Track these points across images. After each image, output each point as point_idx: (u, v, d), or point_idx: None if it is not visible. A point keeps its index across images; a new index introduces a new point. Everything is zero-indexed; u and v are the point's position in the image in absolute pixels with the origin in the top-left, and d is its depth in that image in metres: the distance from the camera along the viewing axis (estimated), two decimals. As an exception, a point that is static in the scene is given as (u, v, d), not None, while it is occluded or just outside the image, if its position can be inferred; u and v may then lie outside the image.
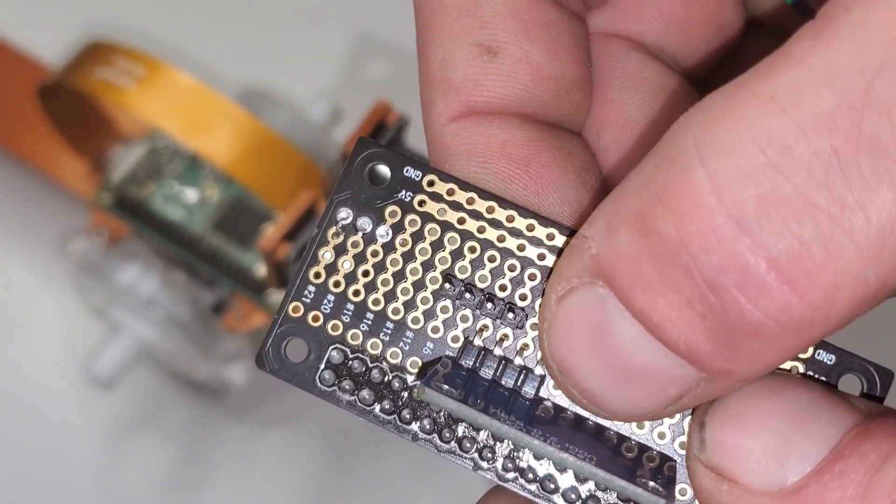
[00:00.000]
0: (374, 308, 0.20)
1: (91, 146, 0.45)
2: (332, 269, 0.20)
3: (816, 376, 0.19)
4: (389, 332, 0.20)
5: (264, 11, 0.54)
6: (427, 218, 0.20)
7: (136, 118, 0.43)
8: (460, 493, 0.46)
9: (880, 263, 0.15)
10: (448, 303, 0.20)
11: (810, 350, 0.19)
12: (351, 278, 0.20)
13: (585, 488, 0.19)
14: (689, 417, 0.19)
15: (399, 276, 0.20)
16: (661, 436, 0.19)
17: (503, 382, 0.19)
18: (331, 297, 0.20)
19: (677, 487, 0.19)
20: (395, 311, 0.20)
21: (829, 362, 0.19)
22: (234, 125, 0.41)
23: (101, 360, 0.43)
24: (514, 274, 0.19)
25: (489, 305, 0.19)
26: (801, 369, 0.19)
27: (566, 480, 0.19)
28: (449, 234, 0.20)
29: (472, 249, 0.20)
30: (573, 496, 0.19)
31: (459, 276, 0.20)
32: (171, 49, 0.50)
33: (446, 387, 0.18)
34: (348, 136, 0.38)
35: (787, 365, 0.19)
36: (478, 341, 0.19)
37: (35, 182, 0.48)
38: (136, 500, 0.46)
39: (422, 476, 0.46)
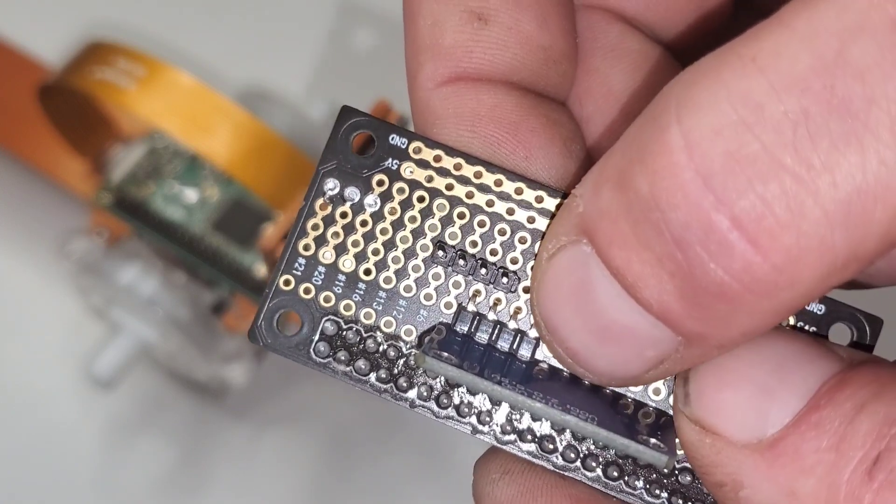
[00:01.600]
0: (365, 278, 0.20)
1: (91, 146, 0.45)
2: (321, 240, 0.20)
3: (807, 327, 0.19)
4: (382, 301, 0.20)
5: (264, 11, 0.54)
6: (415, 185, 0.20)
7: (136, 118, 0.43)
8: (460, 493, 0.46)
9: (847, 229, 0.15)
10: (440, 270, 0.20)
11: None
12: (341, 249, 0.20)
13: (584, 447, 0.19)
14: None
15: (389, 245, 0.20)
16: (657, 392, 0.19)
17: (499, 346, 0.19)
18: (321, 269, 0.20)
19: (677, 440, 0.19)
20: (387, 280, 0.20)
21: (818, 312, 0.19)
22: (234, 125, 0.41)
23: (101, 360, 0.43)
24: (505, 238, 0.19)
25: (482, 270, 0.19)
26: (792, 320, 0.19)
27: (564, 440, 0.19)
28: (438, 201, 0.20)
29: (462, 215, 0.20)
30: (572, 455, 0.19)
31: (450, 242, 0.19)
32: (171, 49, 0.50)
33: (445, 354, 0.18)
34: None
35: None
36: (471, 307, 0.19)
37: (35, 182, 0.48)
38: (136, 500, 0.46)
39: (421, 476, 0.46)
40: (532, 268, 0.19)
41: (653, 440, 0.18)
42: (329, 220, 0.20)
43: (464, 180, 0.20)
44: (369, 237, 0.20)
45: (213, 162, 0.41)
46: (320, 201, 0.20)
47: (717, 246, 0.15)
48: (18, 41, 0.47)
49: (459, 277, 0.20)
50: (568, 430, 0.19)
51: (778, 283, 0.15)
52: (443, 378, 0.19)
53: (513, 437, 0.19)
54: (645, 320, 0.17)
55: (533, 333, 0.19)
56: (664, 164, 0.15)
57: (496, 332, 0.19)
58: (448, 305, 0.19)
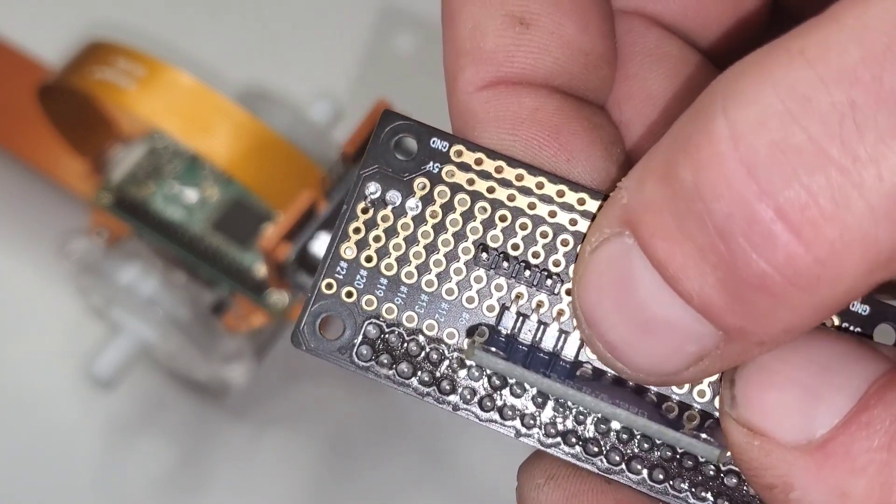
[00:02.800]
0: (407, 281, 0.20)
1: (91, 146, 0.45)
2: (363, 244, 0.20)
3: (851, 328, 0.19)
4: (424, 304, 0.20)
5: (264, 11, 0.54)
6: (456, 188, 0.20)
7: (136, 118, 0.43)
8: (460, 493, 0.46)
9: (891, 223, 0.15)
10: (482, 272, 0.19)
11: None
12: (383, 252, 0.20)
13: (629, 450, 0.19)
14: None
15: (431, 248, 0.20)
16: (702, 394, 0.19)
17: (542, 346, 0.19)
18: (363, 272, 0.20)
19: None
20: (429, 284, 0.20)
21: (863, 313, 0.19)
22: (234, 125, 0.41)
23: (101, 360, 0.43)
24: (547, 240, 0.19)
25: (527, 273, 0.19)
26: (836, 321, 0.19)
27: (609, 443, 0.19)
28: (479, 204, 0.20)
29: (503, 218, 0.20)
30: (617, 458, 0.19)
31: (491, 245, 0.19)
32: (171, 49, 0.50)
33: (494, 349, 0.18)
34: (348, 136, 0.38)
35: None
36: (514, 309, 0.19)
37: (35, 182, 0.48)
38: (136, 500, 0.46)
39: (421, 476, 0.46)
40: (575, 263, 0.19)
41: (703, 434, 0.18)
42: (370, 224, 0.20)
43: (505, 183, 0.20)
44: (411, 240, 0.20)
45: (213, 162, 0.41)
46: (362, 205, 0.20)
47: (760, 237, 0.15)
48: (18, 41, 0.47)
49: (502, 280, 0.19)
50: (613, 433, 0.19)
51: (820, 277, 0.15)
52: (486, 381, 0.19)
53: (557, 440, 0.19)
54: (686, 314, 0.16)
55: (576, 335, 0.19)
56: (709, 155, 0.15)
57: (539, 332, 0.19)
58: (490, 308, 0.19)
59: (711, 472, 0.19)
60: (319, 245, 0.38)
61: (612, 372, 0.19)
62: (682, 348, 0.17)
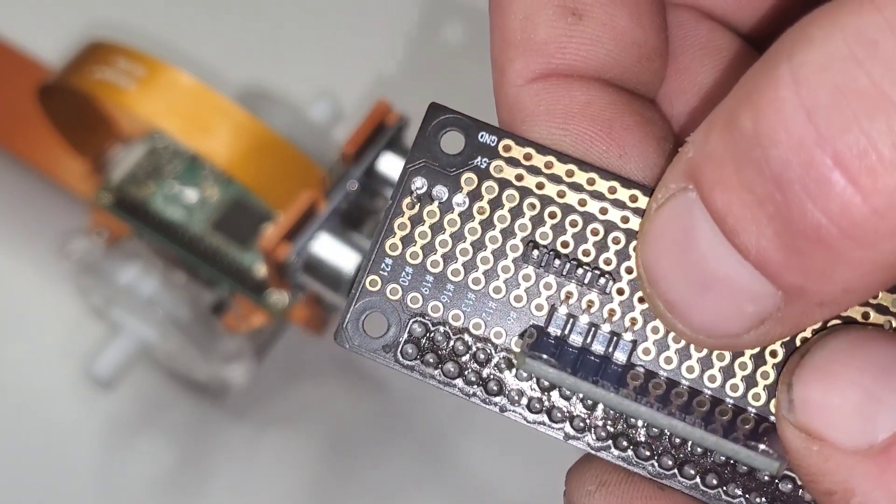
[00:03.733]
0: (454, 279, 0.19)
1: (91, 146, 0.45)
2: (408, 240, 0.19)
3: None
4: (471, 302, 0.19)
5: (264, 11, 0.54)
6: (504, 184, 0.19)
7: (136, 118, 0.43)
8: (460, 492, 0.46)
9: None
10: (530, 271, 0.19)
11: None
12: (429, 249, 0.19)
13: (681, 453, 0.19)
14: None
15: (478, 245, 0.19)
16: (757, 397, 0.19)
17: (593, 349, 0.19)
18: (409, 269, 0.19)
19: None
20: (476, 281, 0.19)
21: None
22: (234, 125, 0.41)
23: (101, 360, 0.43)
24: (598, 238, 0.19)
25: (579, 271, 0.19)
26: (895, 323, 0.18)
27: (661, 446, 0.19)
28: (528, 200, 0.19)
29: (553, 215, 0.19)
30: (669, 462, 0.19)
31: (541, 242, 0.19)
32: (171, 49, 0.50)
33: (545, 356, 0.18)
34: (348, 136, 0.38)
35: (880, 319, 0.18)
36: (563, 309, 0.19)
37: (35, 182, 0.48)
38: (136, 500, 0.46)
39: (421, 476, 0.46)
40: (641, 220, 0.19)
41: (762, 446, 0.17)
42: (416, 220, 0.19)
43: (555, 179, 0.19)
44: (457, 237, 0.19)
45: (213, 162, 0.41)
46: (407, 200, 0.19)
47: (816, 184, 0.15)
48: (18, 41, 0.47)
49: (551, 279, 0.19)
50: (665, 437, 0.19)
51: (878, 230, 0.15)
52: (534, 382, 0.19)
53: (607, 442, 0.19)
54: (745, 270, 0.16)
55: (628, 337, 0.19)
56: (769, 99, 0.15)
57: (590, 335, 0.19)
58: (539, 307, 0.19)
59: (766, 478, 0.18)
60: (319, 245, 0.38)
61: (665, 373, 0.19)
62: (742, 308, 0.17)
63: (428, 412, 0.47)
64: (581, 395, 0.19)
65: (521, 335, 0.19)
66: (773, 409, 0.18)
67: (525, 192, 0.19)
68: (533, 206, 0.19)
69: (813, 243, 0.15)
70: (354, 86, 0.51)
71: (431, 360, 0.19)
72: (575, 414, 0.19)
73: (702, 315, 0.17)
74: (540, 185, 0.19)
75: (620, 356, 0.19)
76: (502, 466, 0.45)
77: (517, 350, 0.19)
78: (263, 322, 0.44)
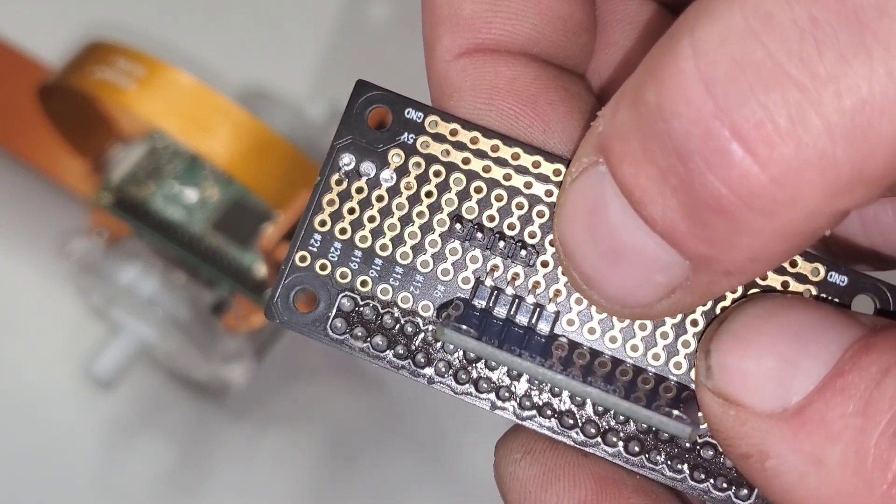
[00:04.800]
0: (382, 253, 0.19)
1: (91, 146, 0.45)
2: (337, 216, 0.19)
3: (829, 298, 0.19)
4: (399, 276, 0.19)
5: (264, 11, 0.54)
6: (431, 160, 0.19)
7: (136, 118, 0.43)
8: (460, 492, 0.46)
9: (850, 143, 0.14)
10: (457, 245, 0.19)
11: (822, 271, 0.19)
12: (357, 224, 0.19)
13: (604, 422, 0.19)
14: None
15: (406, 220, 0.19)
16: (678, 366, 0.19)
17: (517, 321, 0.19)
18: (337, 245, 0.19)
19: (699, 414, 0.18)
20: (404, 256, 0.19)
21: (841, 284, 0.19)
22: (234, 125, 0.41)
23: (101, 360, 0.43)
24: (523, 212, 0.19)
25: (501, 244, 0.19)
26: (814, 292, 0.19)
27: (584, 415, 0.19)
28: (454, 175, 0.19)
29: (479, 189, 0.19)
30: (592, 430, 0.19)
31: (467, 216, 0.19)
32: (171, 49, 0.50)
33: (464, 327, 0.18)
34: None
35: (800, 288, 0.19)
36: (489, 281, 0.19)
37: (35, 182, 0.48)
38: (136, 500, 0.46)
39: (421, 476, 0.46)
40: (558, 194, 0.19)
41: (675, 412, 0.18)
42: (345, 196, 0.19)
43: (481, 154, 0.19)
44: (385, 212, 0.19)
45: (213, 162, 0.41)
46: (335, 176, 0.20)
47: (715, 155, 0.15)
48: (18, 41, 0.47)
49: (477, 252, 0.19)
50: (588, 405, 0.19)
51: (777, 199, 0.15)
52: (461, 353, 0.19)
53: (532, 412, 0.19)
54: (653, 241, 0.16)
55: (551, 308, 0.19)
56: (671, 73, 0.15)
57: (515, 306, 0.19)
58: (465, 280, 0.19)
59: (688, 445, 0.19)
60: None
61: (588, 344, 0.19)
62: (652, 278, 0.17)
63: (428, 412, 0.47)
64: (504, 367, 0.19)
65: (447, 307, 0.19)
66: (693, 377, 0.19)
67: (451, 168, 0.19)
68: (459, 181, 0.19)
69: (715, 213, 0.15)
70: (353, 85, 0.51)
71: (360, 334, 0.19)
72: (501, 384, 0.19)
73: (614, 286, 0.17)
74: (466, 161, 0.19)
75: (544, 327, 0.19)
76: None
77: (435, 323, 0.19)
78: (263, 322, 0.44)
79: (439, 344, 0.19)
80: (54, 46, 0.47)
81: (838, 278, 0.19)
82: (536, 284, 0.19)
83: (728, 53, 0.15)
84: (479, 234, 0.19)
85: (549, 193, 0.19)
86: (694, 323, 0.19)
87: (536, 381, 0.19)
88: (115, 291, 0.43)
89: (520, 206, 0.19)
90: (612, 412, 0.19)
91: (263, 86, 0.50)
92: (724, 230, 0.15)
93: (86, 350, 0.44)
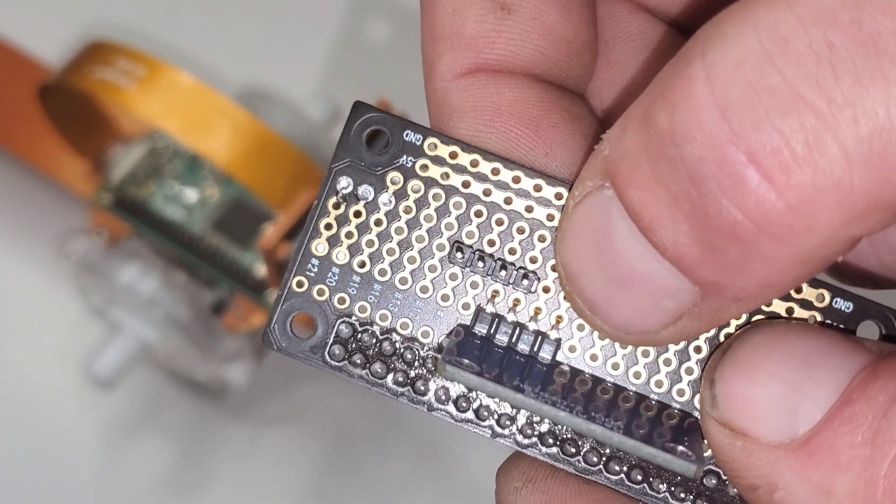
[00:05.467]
0: (380, 279, 0.19)
1: (91, 146, 0.45)
2: (334, 240, 0.19)
3: (834, 324, 0.19)
4: (398, 302, 0.19)
5: (264, 11, 0.54)
6: (430, 183, 0.19)
7: (136, 118, 0.43)
8: (460, 493, 0.46)
9: (867, 169, 0.14)
10: (457, 270, 0.19)
11: (827, 298, 0.19)
12: (355, 249, 0.19)
13: (607, 449, 0.19)
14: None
15: (405, 245, 0.19)
16: (681, 393, 0.19)
17: (519, 349, 0.19)
18: (335, 270, 0.19)
19: (704, 442, 0.18)
20: (403, 281, 0.19)
21: (846, 310, 0.19)
22: (234, 125, 0.41)
23: (101, 360, 0.43)
24: (524, 236, 0.19)
25: (501, 272, 0.19)
26: (819, 318, 0.19)
27: (587, 444, 0.19)
28: (454, 199, 0.19)
29: (479, 213, 0.19)
30: (594, 458, 0.19)
31: (467, 241, 0.19)
32: (171, 49, 0.50)
33: (466, 361, 0.18)
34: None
35: (805, 314, 0.19)
36: (490, 308, 0.19)
37: (35, 182, 0.48)
38: (136, 500, 0.46)
39: (421, 476, 0.46)
40: (560, 218, 0.19)
41: (680, 448, 0.18)
42: (342, 220, 0.19)
43: (481, 177, 0.19)
44: (384, 237, 0.19)
45: (213, 162, 0.41)
46: (333, 200, 0.19)
47: (730, 181, 0.15)
48: (18, 41, 0.47)
49: (477, 277, 0.19)
50: (591, 437, 0.19)
51: (793, 227, 0.15)
52: (462, 384, 0.19)
53: (534, 440, 0.19)
54: (661, 266, 0.16)
55: (553, 335, 0.19)
56: (684, 96, 0.15)
57: (516, 333, 0.19)
58: (466, 306, 0.19)
59: (693, 478, 0.19)
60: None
61: (590, 371, 0.19)
62: (659, 304, 0.17)
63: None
64: (506, 402, 0.19)
65: (448, 334, 0.19)
66: (697, 405, 0.19)
67: (451, 191, 0.19)
68: (459, 205, 0.19)
69: (728, 239, 0.15)
70: (354, 85, 0.51)
71: (359, 361, 0.19)
72: (501, 412, 0.19)
73: (620, 312, 0.17)
74: (466, 184, 0.19)
75: (545, 355, 0.19)
76: (502, 466, 0.45)
77: (438, 357, 0.19)
78: (263, 322, 0.44)
79: (440, 376, 0.19)
80: (54, 46, 0.47)
81: (843, 304, 0.19)
82: (538, 310, 0.19)
83: (743, 77, 0.14)
84: (480, 263, 0.19)
85: (550, 218, 0.19)
86: (697, 350, 0.19)
87: (540, 416, 0.19)
88: (115, 291, 0.43)
89: (521, 231, 0.19)
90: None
91: (263, 86, 0.50)
92: (737, 256, 0.15)
93: (86, 350, 0.44)
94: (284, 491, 0.46)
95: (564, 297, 0.19)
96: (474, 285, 0.19)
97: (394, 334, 0.19)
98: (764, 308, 0.19)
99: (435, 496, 0.46)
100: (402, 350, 0.19)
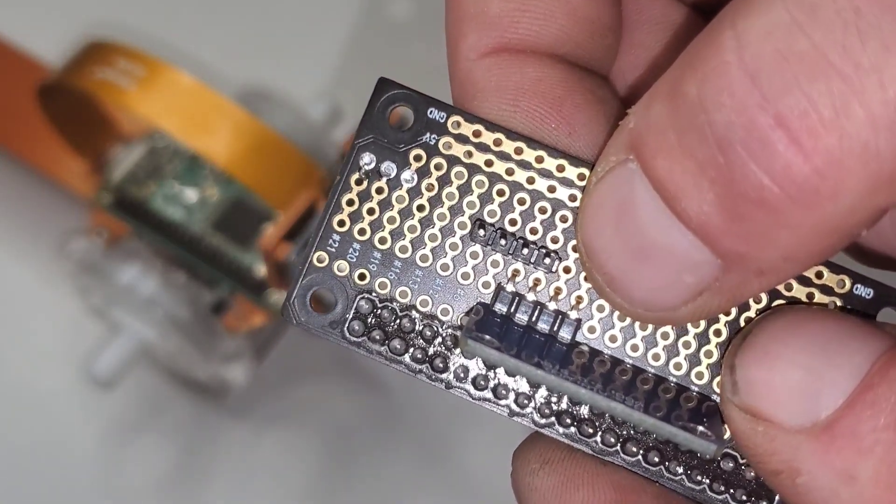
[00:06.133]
0: (401, 255, 0.19)
1: (91, 146, 0.45)
2: (356, 216, 0.19)
3: (855, 310, 0.19)
4: (418, 279, 0.19)
5: (264, 11, 0.54)
6: (453, 161, 0.19)
7: (136, 118, 0.43)
8: (460, 492, 0.46)
9: (893, 134, 0.14)
10: (478, 248, 0.19)
11: (847, 284, 0.19)
12: (377, 225, 0.19)
13: (624, 431, 0.19)
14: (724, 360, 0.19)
15: (426, 222, 0.19)
16: (700, 376, 0.19)
17: (538, 328, 0.19)
18: (356, 246, 0.19)
19: (724, 426, 0.18)
20: (424, 258, 0.19)
21: (867, 296, 0.19)
22: (234, 125, 0.41)
23: (101, 360, 0.43)
24: (545, 216, 0.19)
25: (523, 250, 0.19)
26: (840, 304, 0.19)
27: (604, 424, 0.19)
28: (476, 178, 0.19)
29: (501, 192, 0.19)
30: (612, 439, 0.19)
31: (489, 220, 0.19)
32: (171, 49, 0.50)
33: (488, 337, 0.18)
34: (348, 136, 0.38)
35: (825, 300, 0.19)
36: (510, 287, 0.19)
37: (35, 182, 0.48)
38: (136, 500, 0.46)
39: (421, 476, 0.46)
40: (582, 194, 0.18)
41: (700, 428, 0.18)
42: (364, 196, 0.19)
43: (504, 156, 0.19)
44: (406, 213, 0.19)
45: (213, 162, 0.41)
46: (356, 176, 0.19)
47: (758, 145, 0.15)
48: (18, 41, 0.47)
49: (498, 256, 0.19)
50: (608, 415, 0.19)
51: (819, 191, 0.15)
52: (480, 360, 0.19)
53: (551, 419, 0.19)
54: (684, 238, 0.16)
55: (573, 315, 0.19)
56: (714, 65, 0.15)
57: (536, 313, 0.19)
58: (486, 285, 0.19)
59: (711, 458, 0.19)
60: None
61: (609, 352, 0.19)
62: (680, 278, 0.16)
63: (428, 412, 0.47)
64: (525, 378, 0.19)
65: (468, 312, 0.19)
66: (715, 388, 0.19)
67: (473, 169, 0.19)
68: (481, 184, 0.19)
69: (754, 205, 0.15)
70: (354, 85, 0.51)
71: (378, 337, 0.19)
72: (519, 391, 0.19)
73: (640, 287, 0.17)
74: (489, 163, 0.19)
75: (565, 335, 0.19)
76: (502, 466, 0.45)
77: (460, 331, 0.19)
78: (263, 322, 0.44)
79: (458, 349, 0.19)
80: (54, 46, 0.47)
81: (864, 290, 0.19)
82: (558, 290, 0.19)
83: (773, 45, 0.15)
84: (502, 240, 0.19)
85: (572, 198, 0.19)
86: (717, 333, 0.19)
87: (559, 393, 0.19)
88: (115, 291, 0.43)
89: (543, 211, 0.19)
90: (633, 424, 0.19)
91: (264, 86, 0.50)
92: (762, 225, 0.15)
93: (86, 350, 0.44)
94: (284, 491, 0.46)
95: (585, 276, 0.19)
96: (495, 264, 0.19)
97: (413, 311, 0.19)
98: (784, 293, 0.19)
99: (435, 496, 0.46)
100: (421, 327, 0.19)
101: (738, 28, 0.15)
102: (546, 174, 0.19)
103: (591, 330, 0.19)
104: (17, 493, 0.46)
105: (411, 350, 0.19)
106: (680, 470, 0.19)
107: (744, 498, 0.19)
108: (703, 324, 0.19)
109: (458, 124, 0.19)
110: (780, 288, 0.19)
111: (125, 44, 0.43)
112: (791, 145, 0.15)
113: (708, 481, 0.19)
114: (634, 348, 0.19)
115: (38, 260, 0.48)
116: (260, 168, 0.40)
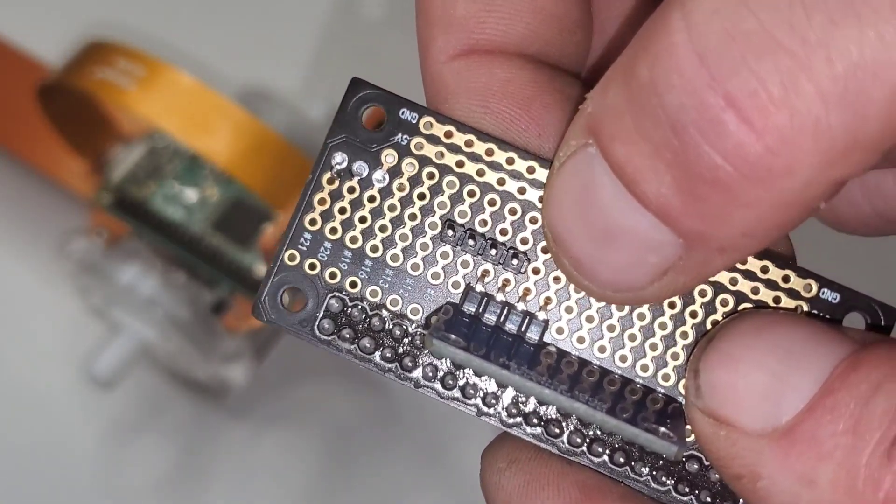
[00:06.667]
0: (372, 255, 0.19)
1: (91, 146, 0.45)
2: (328, 215, 0.19)
3: (821, 315, 0.19)
4: (389, 279, 0.19)
5: (264, 11, 0.54)
6: (424, 161, 0.19)
7: (136, 118, 0.43)
8: (460, 493, 0.46)
9: (843, 108, 0.14)
10: (448, 248, 0.19)
11: (814, 288, 0.19)
12: (348, 224, 0.19)
13: (590, 431, 0.19)
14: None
15: (397, 222, 0.19)
16: (666, 378, 0.19)
17: (506, 328, 0.19)
18: (327, 245, 0.19)
19: (687, 427, 0.18)
20: (395, 258, 0.19)
21: (833, 301, 0.19)
22: (234, 125, 0.41)
23: (101, 360, 0.43)
24: (515, 217, 0.19)
25: (492, 251, 0.19)
26: (806, 308, 0.19)
27: (571, 425, 0.19)
28: (447, 178, 0.19)
29: (472, 193, 0.19)
30: (578, 440, 0.19)
31: (459, 220, 0.19)
32: (171, 49, 0.50)
33: (453, 336, 0.18)
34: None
35: (792, 304, 0.19)
36: (479, 287, 0.19)
37: (35, 182, 0.48)
38: (136, 500, 0.46)
39: (421, 476, 0.46)
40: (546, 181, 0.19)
41: (662, 429, 0.18)
42: (336, 195, 0.19)
43: (475, 157, 0.19)
44: (377, 213, 0.19)
45: (213, 162, 0.41)
46: (327, 175, 0.19)
47: (710, 125, 0.15)
48: (18, 41, 0.47)
49: (468, 256, 0.19)
50: (574, 416, 0.19)
51: (773, 168, 0.15)
52: (448, 360, 0.19)
53: (518, 419, 0.19)
54: (645, 220, 0.16)
55: (541, 316, 0.19)
56: (664, 47, 0.15)
57: (504, 313, 0.19)
58: (456, 285, 0.19)
59: (674, 460, 0.19)
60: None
61: (577, 353, 0.19)
62: (644, 259, 0.17)
63: (427, 412, 0.47)
64: (492, 378, 0.19)
65: (437, 312, 0.19)
66: (681, 390, 0.19)
67: (445, 170, 0.19)
68: (452, 185, 0.19)
69: (710, 185, 0.15)
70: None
71: (348, 336, 0.19)
72: (488, 391, 0.19)
73: (606, 269, 0.17)
74: (460, 164, 0.19)
75: (533, 335, 0.19)
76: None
77: (425, 332, 0.19)
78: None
79: (427, 350, 0.19)
80: (54, 46, 0.47)
81: (830, 295, 0.19)
82: (527, 291, 0.19)
83: (720, 24, 0.15)
84: (471, 241, 0.19)
85: (542, 199, 0.19)
86: (684, 335, 0.19)
87: (524, 393, 0.19)
88: (115, 291, 0.43)
89: (513, 212, 0.19)
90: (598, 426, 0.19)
91: (263, 86, 0.50)
92: (719, 203, 0.15)
93: (86, 350, 0.44)
94: (284, 491, 0.46)
95: (558, 279, 0.19)
96: (465, 264, 0.19)
97: (383, 310, 0.19)
98: (751, 297, 0.19)
99: (435, 496, 0.46)
100: (391, 326, 0.19)
101: (686, 8, 0.15)
102: (517, 176, 0.19)
103: (560, 331, 0.19)
104: (17, 493, 0.46)
105: (381, 349, 0.19)
106: (645, 471, 0.19)
107: (708, 500, 0.19)
108: (670, 326, 0.19)
109: (430, 125, 0.19)
110: (747, 291, 0.19)
111: (125, 44, 0.43)
112: (742, 124, 0.15)
113: (673, 482, 0.19)
114: (602, 349, 0.19)
115: (38, 260, 0.48)
116: (260, 168, 0.40)
